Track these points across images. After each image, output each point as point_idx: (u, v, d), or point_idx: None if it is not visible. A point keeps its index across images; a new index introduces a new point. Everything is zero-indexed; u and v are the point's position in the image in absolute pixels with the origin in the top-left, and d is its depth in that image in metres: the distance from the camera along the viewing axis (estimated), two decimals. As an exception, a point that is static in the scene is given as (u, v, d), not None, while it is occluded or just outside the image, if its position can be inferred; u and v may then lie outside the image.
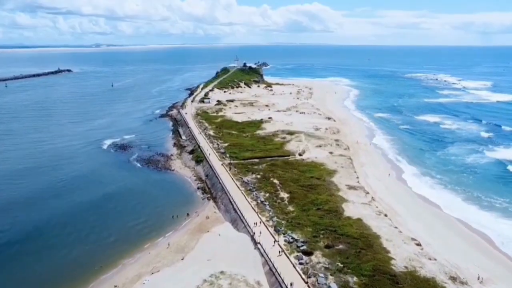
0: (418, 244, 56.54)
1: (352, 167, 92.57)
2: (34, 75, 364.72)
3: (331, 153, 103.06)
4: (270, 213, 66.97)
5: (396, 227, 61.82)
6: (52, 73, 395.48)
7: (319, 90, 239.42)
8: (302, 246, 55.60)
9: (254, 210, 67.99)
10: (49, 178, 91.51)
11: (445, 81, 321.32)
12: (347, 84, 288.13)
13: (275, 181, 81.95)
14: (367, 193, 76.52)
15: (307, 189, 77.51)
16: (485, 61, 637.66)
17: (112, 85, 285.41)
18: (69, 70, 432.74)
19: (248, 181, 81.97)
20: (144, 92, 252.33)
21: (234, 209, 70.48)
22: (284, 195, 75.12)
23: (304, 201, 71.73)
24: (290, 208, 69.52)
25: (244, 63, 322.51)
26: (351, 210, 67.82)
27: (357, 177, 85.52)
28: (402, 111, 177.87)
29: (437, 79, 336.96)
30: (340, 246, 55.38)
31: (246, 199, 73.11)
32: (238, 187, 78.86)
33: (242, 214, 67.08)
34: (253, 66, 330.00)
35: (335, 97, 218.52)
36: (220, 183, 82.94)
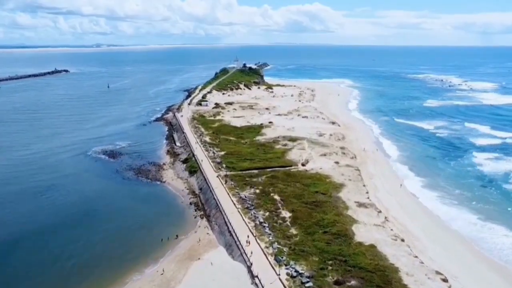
0: (445, 280, 48.12)
1: (360, 179, 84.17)
2: (30, 76, 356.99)
3: (337, 163, 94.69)
4: (270, 238, 58.54)
5: (416, 257, 53.41)
6: (48, 73, 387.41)
7: (322, 92, 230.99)
8: (308, 282, 47.22)
9: (252, 234, 59.60)
10: (24, 192, 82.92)
11: (450, 82, 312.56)
12: (350, 86, 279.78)
13: (276, 197, 73.58)
14: (379, 211, 68.12)
15: (311, 207, 69.14)
16: (487, 62, 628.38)
17: (108, 86, 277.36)
18: (66, 71, 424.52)
19: (245, 197, 73.59)
20: (140, 93, 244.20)
21: (230, 232, 62.16)
22: (285, 214, 66.78)
23: (309, 221, 63.39)
24: (293, 230, 61.17)
25: (244, 64, 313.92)
26: (362, 233, 59.45)
27: (367, 192, 77.13)
28: (409, 114, 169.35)
29: (442, 80, 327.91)
30: (353, 283, 47.04)
31: (243, 220, 64.80)
32: (235, 204, 70.53)
33: (238, 239, 58.71)
34: (253, 66, 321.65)
35: (338, 99, 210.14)
36: (214, 198, 74.66)
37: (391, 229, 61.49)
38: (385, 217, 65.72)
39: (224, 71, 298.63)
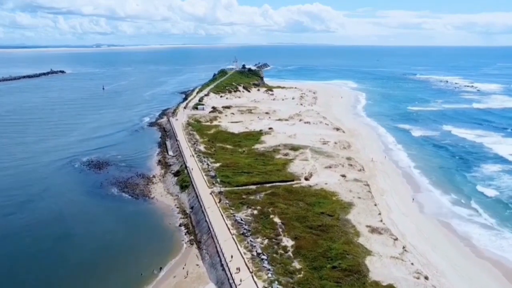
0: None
1: (371, 197, 75.19)
2: (24, 77, 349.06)
3: (343, 176, 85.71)
4: (269, 274, 49.51)
5: (445, 302, 44.47)
6: (43, 74, 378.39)
7: (324, 94, 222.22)
8: None
9: (249, 269, 50.65)
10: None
11: (456, 83, 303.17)
12: (353, 87, 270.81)
13: (276, 219, 64.65)
14: (396, 239, 59.09)
15: (317, 232, 60.24)
16: (491, 62, 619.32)
17: (103, 88, 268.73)
18: (62, 71, 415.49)
19: (242, 219, 64.64)
20: (136, 96, 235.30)
21: (222, 265, 53.21)
22: (287, 242, 57.83)
23: (314, 252, 54.43)
24: (296, 264, 52.21)
25: (243, 65, 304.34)
26: (378, 270, 50.45)
27: (379, 213, 68.16)
28: (417, 119, 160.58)
29: (447, 81, 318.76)
30: None
31: (238, 249, 55.77)
32: (229, 229, 61.55)
33: (232, 276, 49.75)
34: (253, 68, 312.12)
35: (341, 102, 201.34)
36: (206, 221, 65.72)
37: (412, 263, 52.43)
38: (403, 247, 56.65)
39: (222, 72, 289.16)
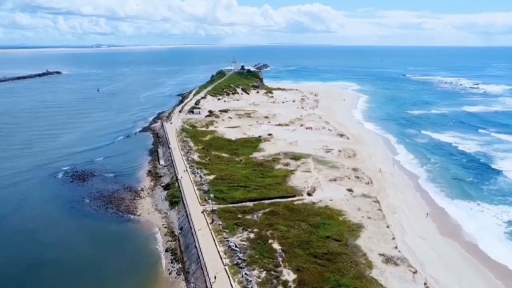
0: None
1: (382, 217, 67.00)
2: (19, 78, 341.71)
3: (350, 191, 77.59)
4: (268, 321, 41.53)
5: None
6: (38, 75, 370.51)
7: (326, 97, 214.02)
8: None
9: (242, 314, 42.63)
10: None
11: (460, 84, 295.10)
12: (355, 89, 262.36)
13: (276, 245, 56.53)
14: (415, 272, 50.86)
15: (322, 262, 52.10)
16: (493, 63, 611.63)
17: (98, 90, 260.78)
18: (58, 72, 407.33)
19: (236, 245, 56.42)
20: (131, 98, 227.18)
21: (212, 306, 45.16)
22: (288, 275, 49.69)
23: (321, 289, 46.36)
24: (299, 305, 44.14)
25: (242, 66, 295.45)
26: (397, 314, 42.35)
27: (393, 237, 59.96)
28: (423, 123, 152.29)
29: (451, 82, 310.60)
30: None
31: (231, 285, 47.69)
32: (221, 258, 53.41)
33: (222, 322, 41.75)
34: (252, 69, 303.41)
35: (344, 105, 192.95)
36: (196, 247, 57.58)
37: (436, 305, 44.40)
38: (425, 283, 48.49)
39: (220, 73, 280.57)
